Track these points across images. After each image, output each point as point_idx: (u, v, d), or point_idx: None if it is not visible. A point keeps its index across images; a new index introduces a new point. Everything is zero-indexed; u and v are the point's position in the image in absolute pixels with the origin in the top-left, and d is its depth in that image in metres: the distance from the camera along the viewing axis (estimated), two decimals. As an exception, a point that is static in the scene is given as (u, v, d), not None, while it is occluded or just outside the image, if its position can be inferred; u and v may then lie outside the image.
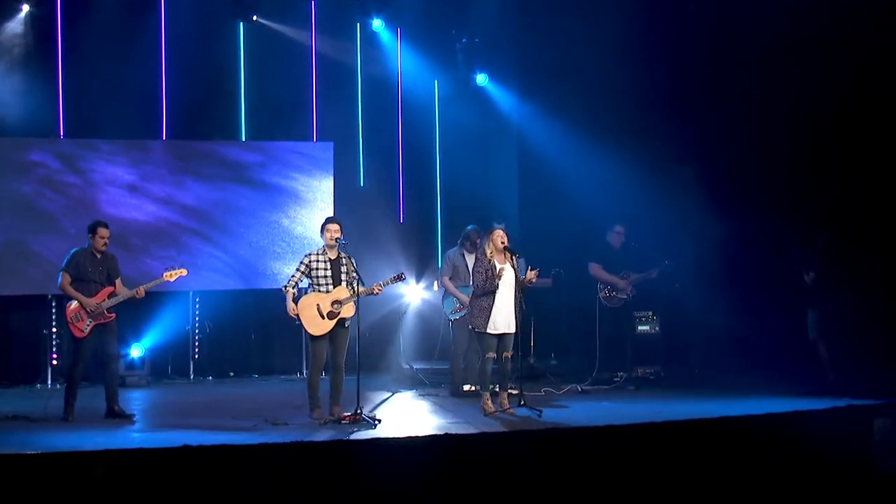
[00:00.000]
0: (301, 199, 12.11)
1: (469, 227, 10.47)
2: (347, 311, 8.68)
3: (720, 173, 11.82)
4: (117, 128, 11.50)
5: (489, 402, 9.02)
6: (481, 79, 13.11)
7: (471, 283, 10.05)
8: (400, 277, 8.94)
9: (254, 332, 12.22)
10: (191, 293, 11.85)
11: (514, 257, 9.22)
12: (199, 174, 11.79)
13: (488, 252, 9.15)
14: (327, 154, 12.18)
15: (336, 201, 12.11)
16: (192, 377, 11.79)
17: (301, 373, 11.77)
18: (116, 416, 8.79)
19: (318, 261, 8.74)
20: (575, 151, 12.23)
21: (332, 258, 8.74)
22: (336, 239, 8.71)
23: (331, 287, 8.68)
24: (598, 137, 12.10)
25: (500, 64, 13.10)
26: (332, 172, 12.18)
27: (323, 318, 8.64)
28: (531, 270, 9.12)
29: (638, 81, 11.95)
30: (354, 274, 8.65)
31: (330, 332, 8.70)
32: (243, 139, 12.21)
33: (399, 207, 12.86)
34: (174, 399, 10.41)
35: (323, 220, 8.95)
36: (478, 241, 10.11)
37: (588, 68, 12.07)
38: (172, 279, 9.02)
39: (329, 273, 8.69)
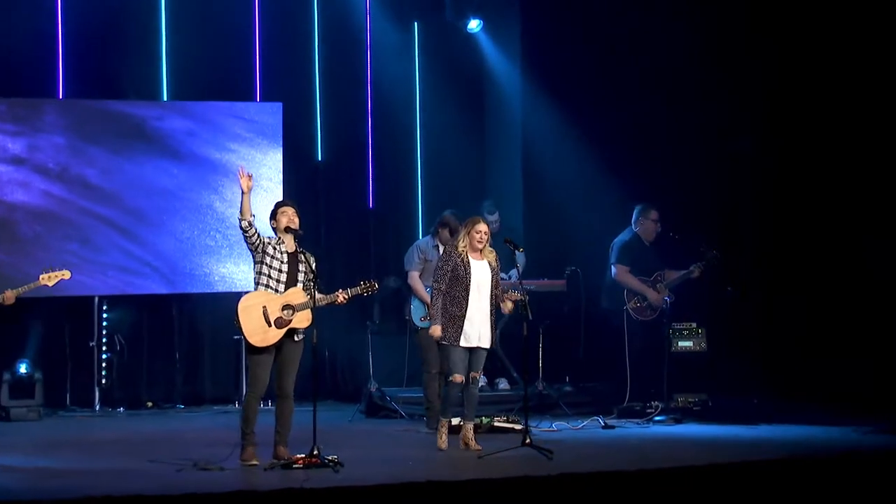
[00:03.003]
0: (240, 176, 12.06)
1: (446, 212, 10.54)
2: (301, 320, 8.58)
3: (786, 145, 11.76)
4: (-2, 83, 11.51)
5: (444, 432, 9.07)
6: (475, 25, 13.08)
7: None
8: (372, 287, 8.80)
9: (179, 351, 12.22)
10: (96, 299, 11.82)
11: (514, 251, 9.24)
12: (107, 144, 11.76)
13: (461, 246, 9.09)
14: (275, 118, 12.20)
15: (286, 179, 12.12)
16: (97, 408, 11.81)
17: (240, 402, 11.69)
18: None
19: (276, 249, 8.60)
20: (596, 119, 12.23)
21: (290, 252, 8.63)
22: (287, 227, 8.59)
23: (282, 287, 8.55)
24: (627, 99, 12.09)
25: (499, 5, 13.05)
26: (281, 142, 12.18)
27: (269, 325, 8.52)
28: (509, 297, 9.03)
29: (676, 33, 11.89)
30: (312, 275, 8.55)
31: (276, 345, 8.57)
32: (165, 98, 12.22)
33: (368, 188, 12.88)
34: (74, 435, 10.35)
35: (274, 205, 8.79)
36: (460, 228, 10.09)
37: (610, 14, 12.08)
38: (51, 284, 8.94)
39: (286, 269, 8.58)
